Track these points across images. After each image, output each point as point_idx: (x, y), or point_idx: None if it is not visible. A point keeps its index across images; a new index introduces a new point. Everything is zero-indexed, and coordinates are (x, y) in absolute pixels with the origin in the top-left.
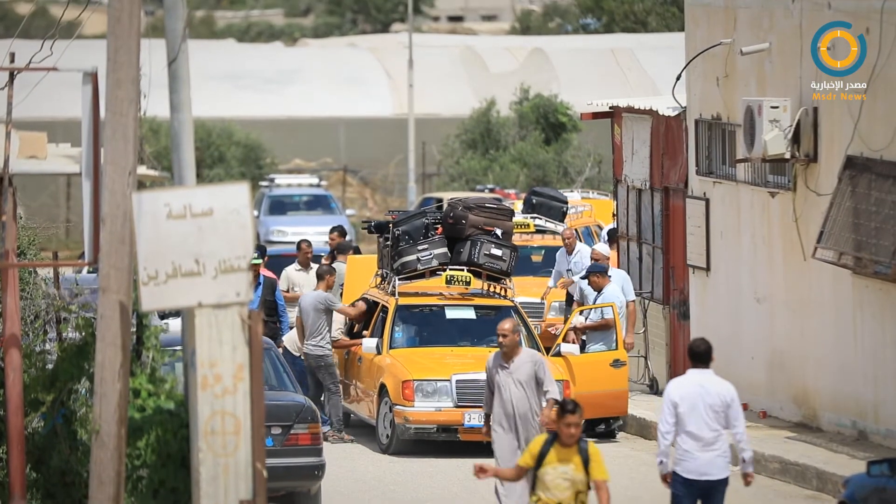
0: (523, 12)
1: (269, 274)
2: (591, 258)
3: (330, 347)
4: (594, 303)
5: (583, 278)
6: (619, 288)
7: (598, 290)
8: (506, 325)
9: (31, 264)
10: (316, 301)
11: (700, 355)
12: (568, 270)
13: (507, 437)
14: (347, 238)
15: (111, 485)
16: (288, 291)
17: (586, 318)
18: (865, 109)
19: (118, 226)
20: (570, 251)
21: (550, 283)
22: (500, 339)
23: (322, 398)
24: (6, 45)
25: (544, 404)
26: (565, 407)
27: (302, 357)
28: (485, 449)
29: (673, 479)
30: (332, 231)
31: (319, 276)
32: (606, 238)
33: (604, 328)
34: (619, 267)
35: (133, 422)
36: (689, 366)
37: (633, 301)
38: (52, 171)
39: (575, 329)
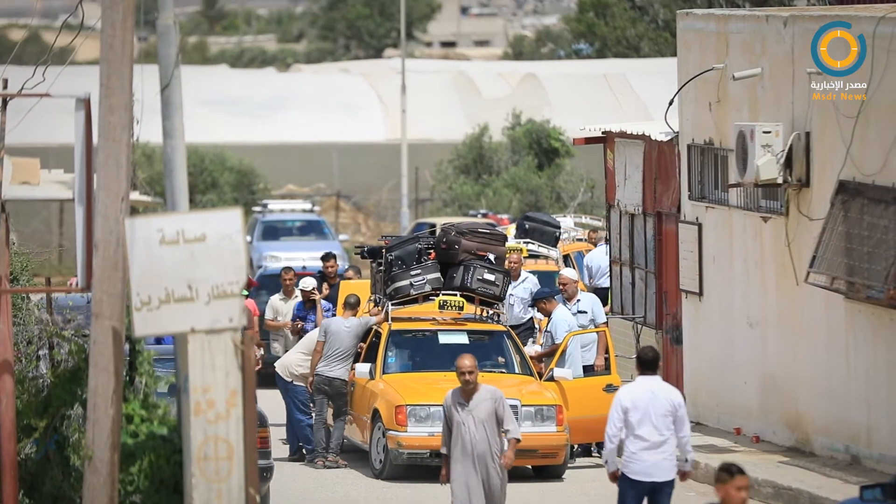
0: (516, 38)
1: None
2: (559, 283)
3: None
4: (544, 328)
5: (531, 306)
6: (567, 311)
7: (547, 314)
8: (466, 361)
9: (24, 290)
10: (357, 326)
11: (649, 363)
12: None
13: (466, 476)
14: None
15: None
16: (274, 320)
17: (542, 346)
18: (857, 134)
19: (111, 252)
20: (514, 278)
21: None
22: (467, 377)
23: (319, 423)
24: None
25: (506, 444)
26: (731, 469)
27: (296, 382)
28: None
29: (621, 480)
30: (328, 258)
31: (351, 305)
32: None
33: (554, 354)
34: (611, 291)
35: (126, 447)
36: (638, 373)
37: (605, 323)
38: (44, 196)
39: (531, 358)
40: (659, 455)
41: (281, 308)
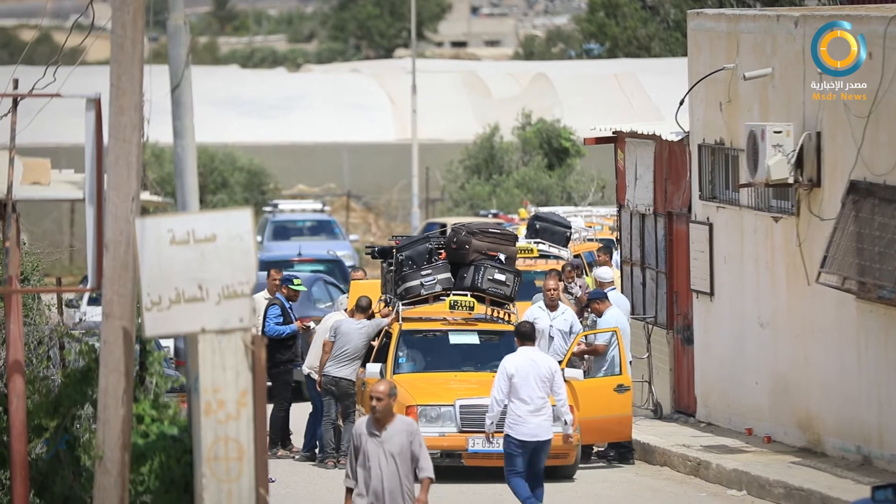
0: (526, 38)
1: None
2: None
3: None
4: (596, 328)
5: (585, 307)
6: (619, 311)
7: (599, 315)
8: (380, 387)
9: (35, 290)
10: (370, 328)
11: (526, 334)
12: (549, 326)
13: None
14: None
15: None
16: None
17: (579, 345)
18: (868, 134)
19: (122, 252)
20: (552, 308)
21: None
22: (374, 403)
23: (328, 424)
24: (9, 72)
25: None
26: None
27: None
28: (489, 475)
29: (507, 441)
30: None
31: (363, 308)
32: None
33: (593, 353)
34: (622, 292)
35: (136, 448)
36: (518, 344)
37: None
38: (55, 197)
39: (574, 356)
40: (540, 417)
41: (263, 308)
